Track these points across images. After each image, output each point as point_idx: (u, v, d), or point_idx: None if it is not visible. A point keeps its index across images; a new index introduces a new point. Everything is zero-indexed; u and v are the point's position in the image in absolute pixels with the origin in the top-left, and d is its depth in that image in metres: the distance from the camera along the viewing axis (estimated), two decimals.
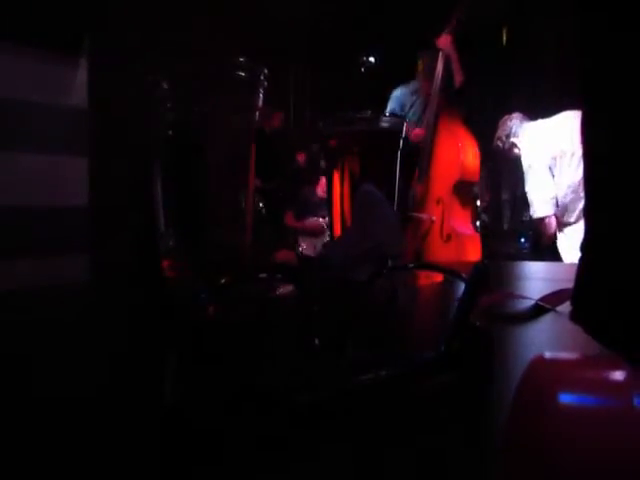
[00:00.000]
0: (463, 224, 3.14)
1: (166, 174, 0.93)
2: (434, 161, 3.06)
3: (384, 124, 2.37)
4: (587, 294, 0.40)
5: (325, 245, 4.10)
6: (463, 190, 3.11)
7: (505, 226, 6.41)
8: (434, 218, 3.06)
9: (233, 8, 3.77)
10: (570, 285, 0.42)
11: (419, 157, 3.00)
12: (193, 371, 0.54)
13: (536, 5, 5.35)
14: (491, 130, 6.51)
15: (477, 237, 3.22)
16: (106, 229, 2.18)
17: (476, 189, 4.99)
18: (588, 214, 0.41)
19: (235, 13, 3.76)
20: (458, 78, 3.17)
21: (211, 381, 0.51)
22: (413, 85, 3.23)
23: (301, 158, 4.46)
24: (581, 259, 0.41)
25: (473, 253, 3.10)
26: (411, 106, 3.25)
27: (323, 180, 4.22)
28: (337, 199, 2.14)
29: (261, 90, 0.94)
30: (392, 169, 2.54)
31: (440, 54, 3.10)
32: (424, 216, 3.06)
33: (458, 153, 3.02)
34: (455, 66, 3.14)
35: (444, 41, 3.11)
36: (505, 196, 6.52)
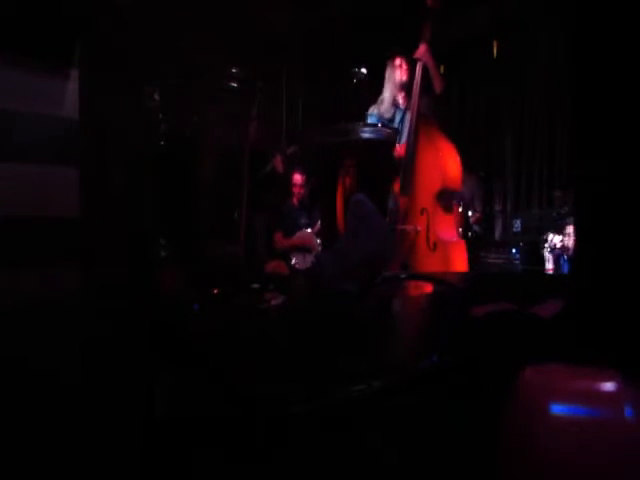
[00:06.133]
0: (448, 232, 3.15)
1: (158, 185, 0.93)
2: (416, 172, 3.07)
3: (378, 135, 2.38)
4: (579, 305, 0.40)
5: (318, 256, 4.09)
6: (446, 198, 3.12)
7: (497, 237, 6.44)
8: (419, 228, 3.06)
9: (226, 20, 3.78)
10: (562, 296, 0.43)
11: (400, 170, 3.02)
12: (185, 381, 0.54)
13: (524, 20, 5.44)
14: (481, 142, 6.58)
15: (462, 243, 3.22)
16: (98, 240, 2.17)
17: (466, 199, 5.02)
18: (579, 228, 0.42)
19: (229, 25, 3.77)
20: (438, 84, 3.19)
21: (204, 391, 0.50)
22: (387, 101, 3.25)
23: (278, 161, 4.44)
24: (572, 271, 0.42)
25: (460, 259, 3.10)
26: (391, 120, 3.29)
27: (296, 186, 4.22)
28: (330, 209, 2.15)
29: (256, 101, 0.94)
30: (386, 179, 2.55)
31: (418, 64, 3.13)
32: (409, 227, 3.07)
33: (439, 162, 3.03)
34: (433, 72, 3.16)
35: (420, 51, 3.14)
36: (497, 207, 6.55)
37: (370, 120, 3.19)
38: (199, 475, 0.35)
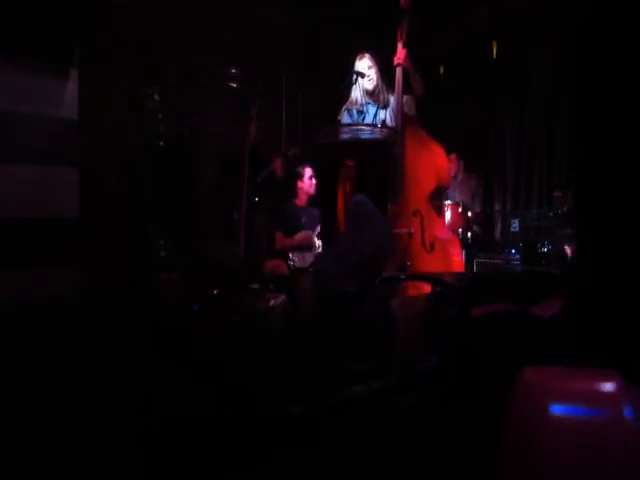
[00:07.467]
0: (441, 229, 3.16)
1: (158, 185, 0.93)
2: (407, 174, 3.05)
3: (377, 135, 2.38)
4: (579, 305, 0.40)
5: (317, 257, 4.08)
6: (435, 196, 3.13)
7: (496, 237, 6.43)
8: (412, 230, 3.05)
9: (226, 20, 3.79)
10: (562, 296, 0.43)
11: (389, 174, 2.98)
12: (185, 382, 0.54)
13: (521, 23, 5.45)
14: (481, 142, 6.58)
15: (456, 240, 3.23)
16: (98, 240, 2.16)
17: (465, 199, 5.02)
18: (579, 231, 0.42)
19: (228, 25, 3.78)
20: (418, 89, 3.13)
21: (203, 393, 0.50)
22: (359, 102, 3.15)
23: (277, 165, 4.38)
24: (572, 272, 0.42)
25: (457, 256, 3.10)
26: (361, 112, 3.21)
27: (304, 184, 4.17)
28: (331, 209, 2.14)
29: (256, 101, 0.94)
30: (385, 179, 2.54)
31: (397, 69, 3.09)
32: (402, 230, 3.06)
33: (430, 162, 3.00)
34: (413, 77, 3.11)
35: (400, 55, 3.09)
36: (497, 207, 6.55)
37: (345, 117, 3.09)
38: (198, 474, 0.35)
